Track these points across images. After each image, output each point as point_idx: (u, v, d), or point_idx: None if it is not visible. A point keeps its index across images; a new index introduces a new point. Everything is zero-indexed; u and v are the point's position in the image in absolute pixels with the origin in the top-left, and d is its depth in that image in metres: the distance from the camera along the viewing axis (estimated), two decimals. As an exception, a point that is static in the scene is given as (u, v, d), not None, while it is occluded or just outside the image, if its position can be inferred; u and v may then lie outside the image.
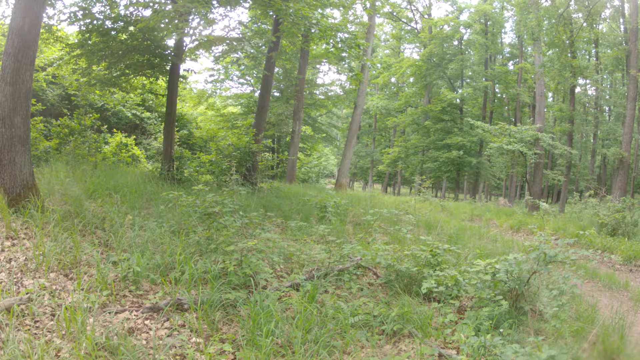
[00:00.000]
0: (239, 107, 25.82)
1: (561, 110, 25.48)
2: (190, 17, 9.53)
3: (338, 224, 7.76)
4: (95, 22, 9.59)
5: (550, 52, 22.35)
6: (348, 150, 21.66)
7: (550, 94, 32.78)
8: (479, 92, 31.58)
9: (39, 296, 3.49)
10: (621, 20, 21.93)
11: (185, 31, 9.57)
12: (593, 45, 24.43)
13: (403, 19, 35.90)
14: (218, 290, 3.85)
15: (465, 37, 33.19)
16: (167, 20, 8.94)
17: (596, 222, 11.15)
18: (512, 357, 2.91)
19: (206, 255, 4.57)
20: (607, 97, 28.04)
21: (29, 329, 3.05)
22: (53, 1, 8.94)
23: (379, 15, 27.56)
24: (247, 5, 10.87)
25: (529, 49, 29.43)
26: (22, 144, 5.18)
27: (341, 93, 24.79)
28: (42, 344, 2.80)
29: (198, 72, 35.31)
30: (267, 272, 4.45)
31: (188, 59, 11.30)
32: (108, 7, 9.66)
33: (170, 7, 8.90)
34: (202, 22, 9.61)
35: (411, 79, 34.65)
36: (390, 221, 8.38)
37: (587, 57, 27.37)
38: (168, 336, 3.28)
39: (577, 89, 26.51)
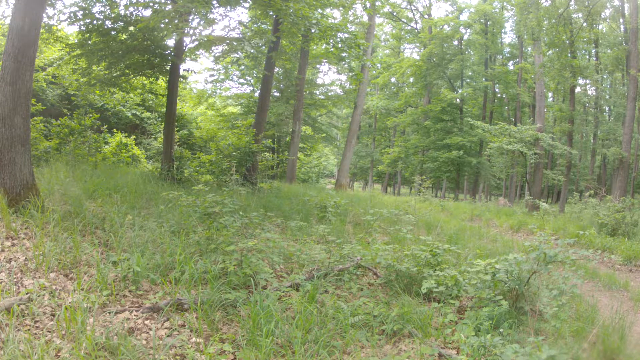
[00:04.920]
0: (239, 107, 25.82)
1: (561, 110, 25.47)
2: (190, 17, 9.53)
3: (338, 224, 7.76)
4: (95, 22, 9.59)
5: (550, 52, 22.35)
6: (348, 150, 21.66)
7: (550, 94, 32.78)
8: (479, 92, 31.57)
9: (39, 296, 3.49)
10: (621, 20, 21.93)
11: (185, 31, 9.57)
12: (593, 45, 24.43)
13: (403, 19, 35.89)
14: (218, 290, 3.85)
15: (465, 37, 33.17)
16: (167, 20, 8.94)
17: (596, 222, 11.14)
18: (512, 357, 2.90)
19: (206, 255, 4.57)
20: (607, 97, 28.04)
21: (29, 329, 3.05)
22: (53, 1, 8.94)
23: (379, 15, 27.57)
24: (247, 5, 10.87)
25: (529, 49, 29.42)
26: (22, 144, 5.18)
27: (341, 93, 24.79)
28: (42, 344, 2.80)
29: (198, 72, 35.38)
30: (267, 272, 4.45)
31: (188, 59, 11.30)
32: (108, 7, 9.66)
33: (170, 7, 8.90)
34: (202, 22, 9.61)
35: (411, 79, 34.63)
36: (390, 221, 8.37)
37: (587, 57, 27.37)
38: (168, 336, 3.28)
39: (577, 89, 26.52)
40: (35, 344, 2.81)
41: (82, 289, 3.64)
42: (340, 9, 14.82)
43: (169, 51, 10.70)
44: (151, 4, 9.45)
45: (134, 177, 8.83)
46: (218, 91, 24.98)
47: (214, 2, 9.28)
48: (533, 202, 15.56)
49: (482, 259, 5.00)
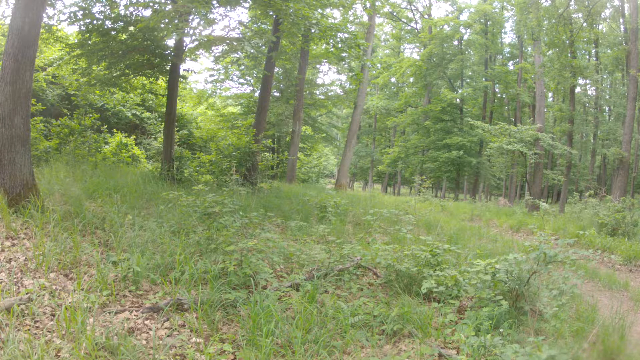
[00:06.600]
0: (239, 107, 25.83)
1: (561, 110, 25.47)
2: (190, 17, 9.53)
3: (338, 224, 7.75)
4: (95, 22, 9.59)
5: (550, 52, 22.35)
6: (348, 150, 21.66)
7: (550, 94, 32.77)
8: (479, 92, 31.57)
9: (39, 296, 3.49)
10: (621, 20, 21.92)
11: (185, 31, 9.56)
12: (593, 45, 24.43)
13: (403, 19, 35.90)
14: (218, 290, 3.85)
15: (465, 37, 33.18)
16: (167, 20, 8.94)
17: (596, 222, 11.13)
18: (512, 357, 2.90)
19: (206, 255, 4.57)
20: (607, 97, 28.04)
21: (29, 329, 3.05)
22: (53, 1, 8.95)
23: (379, 15, 27.56)
24: (247, 5, 10.86)
25: (529, 49, 29.42)
26: (22, 144, 5.18)
27: (341, 93, 24.80)
28: (42, 344, 2.80)
29: (198, 72, 35.38)
30: (267, 272, 4.45)
31: (188, 59, 11.30)
32: (108, 7, 9.66)
33: (170, 7, 8.90)
34: (202, 22, 9.62)
35: (411, 79, 34.64)
36: (390, 221, 8.37)
37: (587, 57, 27.37)
38: (168, 336, 3.28)
39: (577, 89, 26.50)
40: (35, 344, 2.81)
41: (82, 289, 3.64)
42: (340, 9, 14.81)
43: (169, 51, 10.70)
44: (151, 4, 9.45)
45: (134, 177, 8.84)
46: (218, 91, 25.00)
47: (214, 2, 9.28)
48: (533, 202, 15.56)
49: (482, 259, 4.99)
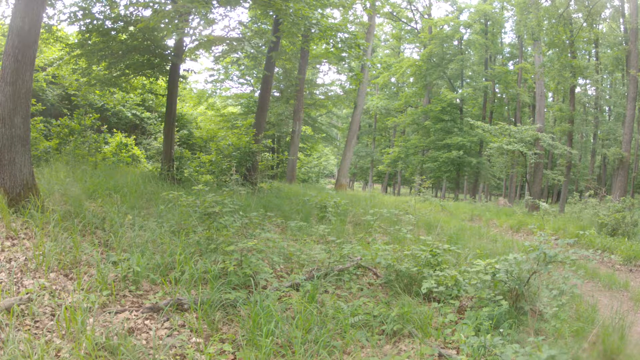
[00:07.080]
0: (239, 107, 25.84)
1: (561, 110, 25.47)
2: (190, 17, 9.53)
3: (338, 224, 7.75)
4: (95, 22, 9.59)
5: (550, 52, 22.35)
6: (348, 150, 21.66)
7: (550, 94, 32.77)
8: (479, 92, 31.57)
9: (39, 296, 3.49)
10: (621, 20, 21.92)
11: (185, 31, 9.57)
12: (593, 45, 24.43)
13: (403, 19, 35.90)
14: (218, 290, 3.85)
15: (465, 37, 33.18)
16: (167, 20, 8.94)
17: (596, 222, 11.13)
18: (512, 357, 2.91)
19: (206, 255, 4.57)
20: (607, 97, 28.03)
21: (29, 329, 3.05)
22: (53, 1, 8.94)
23: (379, 15, 27.58)
24: (247, 5, 10.87)
25: (529, 49, 29.43)
26: (22, 144, 5.17)
27: (341, 93, 24.80)
28: (42, 344, 2.80)
29: (198, 72, 35.39)
30: (267, 272, 4.45)
31: (188, 59, 11.30)
32: (108, 7, 9.65)
33: (170, 7, 8.90)
34: (202, 22, 9.61)
35: (411, 79, 34.63)
36: (390, 221, 8.37)
37: (587, 57, 27.37)
38: (168, 336, 3.28)
39: (577, 89, 26.51)
40: (35, 344, 2.81)
41: (82, 289, 3.64)
42: (340, 9, 14.83)
43: (169, 51, 10.70)
44: (151, 4, 9.45)
45: (134, 177, 8.83)
46: (218, 91, 25.02)
47: (214, 2, 9.28)
48: (533, 202, 15.55)
49: (482, 259, 4.99)
